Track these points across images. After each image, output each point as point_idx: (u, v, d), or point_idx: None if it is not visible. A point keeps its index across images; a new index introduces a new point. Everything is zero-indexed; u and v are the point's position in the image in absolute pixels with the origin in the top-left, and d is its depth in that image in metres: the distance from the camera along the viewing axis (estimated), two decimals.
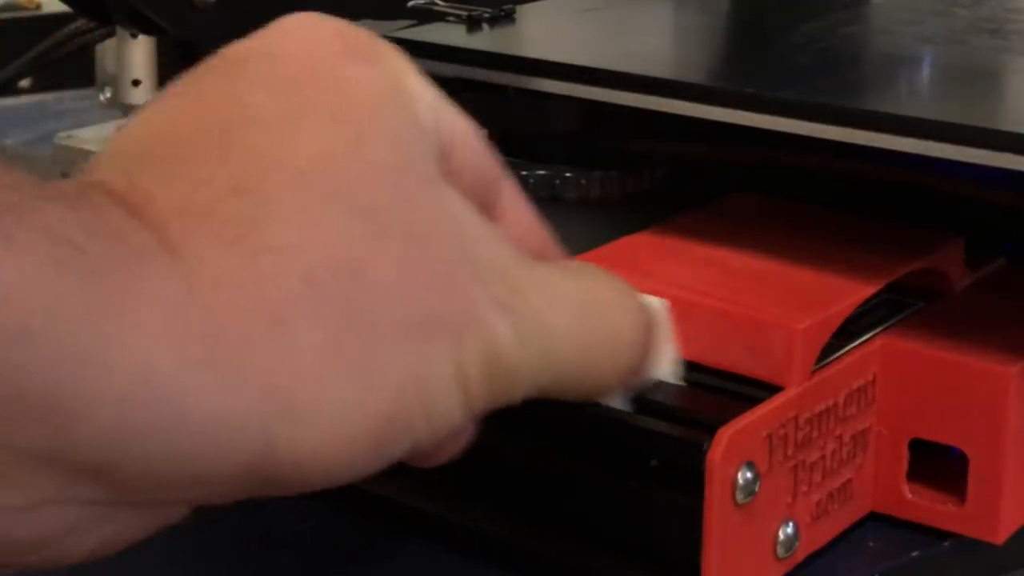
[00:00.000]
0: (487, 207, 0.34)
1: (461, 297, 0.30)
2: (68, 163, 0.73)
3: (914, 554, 0.39)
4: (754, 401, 0.36)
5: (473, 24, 0.51)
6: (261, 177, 0.29)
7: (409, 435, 0.30)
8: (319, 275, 0.28)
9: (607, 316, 0.34)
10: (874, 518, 0.40)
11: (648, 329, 0.35)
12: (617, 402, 0.36)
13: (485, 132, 0.35)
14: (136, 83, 0.75)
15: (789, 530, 0.37)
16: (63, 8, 0.52)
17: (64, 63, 0.74)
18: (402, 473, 0.40)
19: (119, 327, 0.26)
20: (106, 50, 0.79)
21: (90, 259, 0.26)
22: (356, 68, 0.31)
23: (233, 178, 0.28)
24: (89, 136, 0.76)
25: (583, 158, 0.50)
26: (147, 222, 0.27)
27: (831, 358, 0.38)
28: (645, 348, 0.35)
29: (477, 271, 0.31)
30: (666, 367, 0.38)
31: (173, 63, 0.48)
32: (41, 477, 0.26)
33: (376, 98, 0.31)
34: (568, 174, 0.50)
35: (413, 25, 0.51)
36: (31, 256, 0.25)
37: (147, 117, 0.31)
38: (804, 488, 0.37)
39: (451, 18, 0.52)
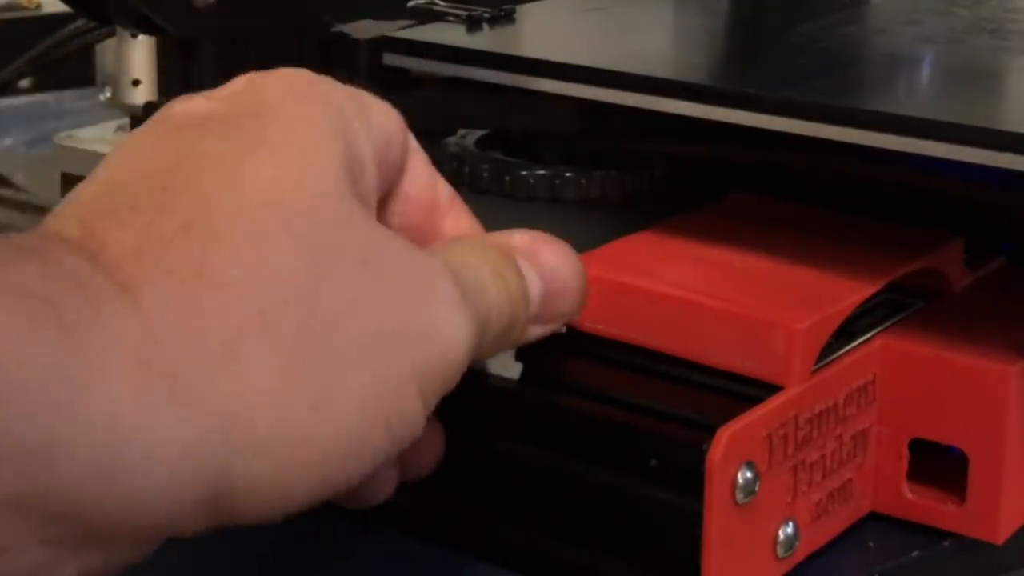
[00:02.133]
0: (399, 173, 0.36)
1: (417, 308, 0.31)
2: (68, 163, 0.73)
3: (914, 554, 0.39)
4: (754, 401, 0.36)
5: (473, 24, 0.51)
6: (209, 214, 0.29)
7: (371, 450, 0.30)
8: (270, 307, 0.29)
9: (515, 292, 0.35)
10: (874, 518, 0.40)
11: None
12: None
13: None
14: (136, 83, 0.75)
15: (789, 530, 0.37)
16: (63, 8, 0.52)
17: (64, 63, 0.74)
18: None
19: (86, 375, 0.26)
20: (106, 50, 0.79)
21: (57, 310, 0.26)
22: (299, 105, 0.33)
23: (182, 218, 0.29)
24: (89, 136, 0.76)
25: (583, 158, 0.50)
26: (103, 266, 0.28)
27: (831, 358, 0.38)
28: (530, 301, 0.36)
29: (427, 280, 0.32)
30: None
31: (173, 63, 0.48)
32: (11, 524, 0.26)
33: (318, 134, 0.32)
34: (568, 174, 0.50)
35: (413, 25, 0.51)
36: (2, 314, 0.26)
37: (100, 171, 0.32)
38: (804, 488, 0.37)
39: (451, 18, 0.52)
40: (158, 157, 0.31)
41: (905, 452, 0.39)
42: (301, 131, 0.32)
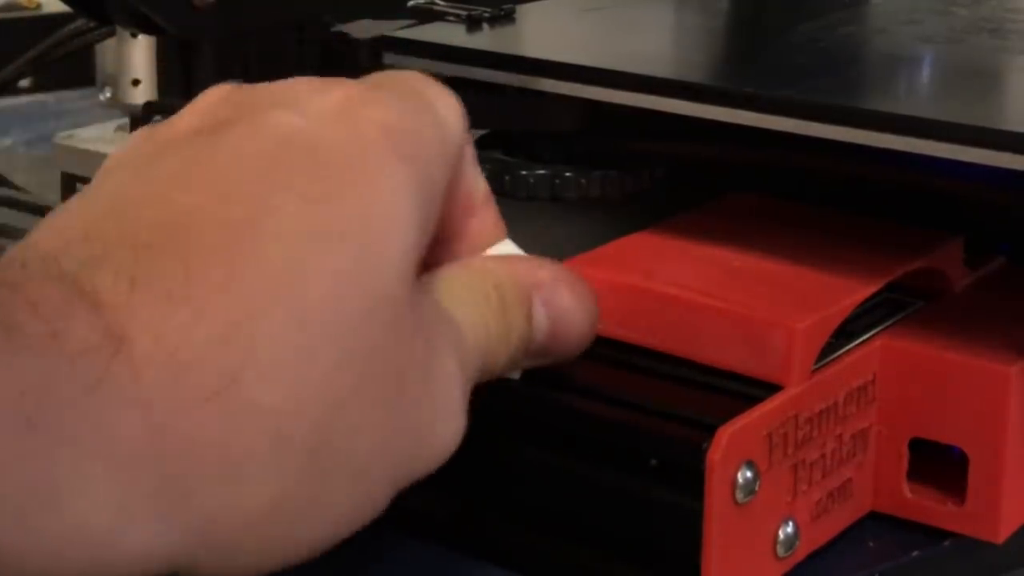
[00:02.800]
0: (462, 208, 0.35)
1: (420, 427, 0.30)
2: (68, 163, 0.73)
3: (914, 554, 0.39)
4: (754, 400, 0.36)
5: (473, 24, 0.51)
6: (261, 316, 0.27)
7: (332, 540, 0.30)
8: (292, 434, 0.27)
9: None
10: (874, 518, 0.40)
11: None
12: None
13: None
14: (136, 83, 0.75)
15: (789, 529, 0.37)
16: (63, 8, 0.52)
17: (64, 63, 0.74)
18: None
19: (63, 481, 0.25)
20: (106, 50, 0.79)
21: (42, 411, 0.24)
22: (388, 162, 0.30)
23: (231, 314, 0.27)
24: (89, 136, 0.76)
25: (583, 158, 0.50)
26: (127, 364, 0.26)
27: (831, 357, 0.38)
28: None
29: (442, 389, 0.31)
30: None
31: (173, 63, 0.48)
32: None
33: (399, 207, 0.30)
34: (568, 174, 0.50)
35: (413, 25, 0.51)
36: None
37: (156, 180, 0.29)
38: (804, 487, 0.37)
39: (451, 18, 0.52)
40: (232, 198, 0.28)
41: (905, 452, 0.39)
42: (382, 202, 0.29)
